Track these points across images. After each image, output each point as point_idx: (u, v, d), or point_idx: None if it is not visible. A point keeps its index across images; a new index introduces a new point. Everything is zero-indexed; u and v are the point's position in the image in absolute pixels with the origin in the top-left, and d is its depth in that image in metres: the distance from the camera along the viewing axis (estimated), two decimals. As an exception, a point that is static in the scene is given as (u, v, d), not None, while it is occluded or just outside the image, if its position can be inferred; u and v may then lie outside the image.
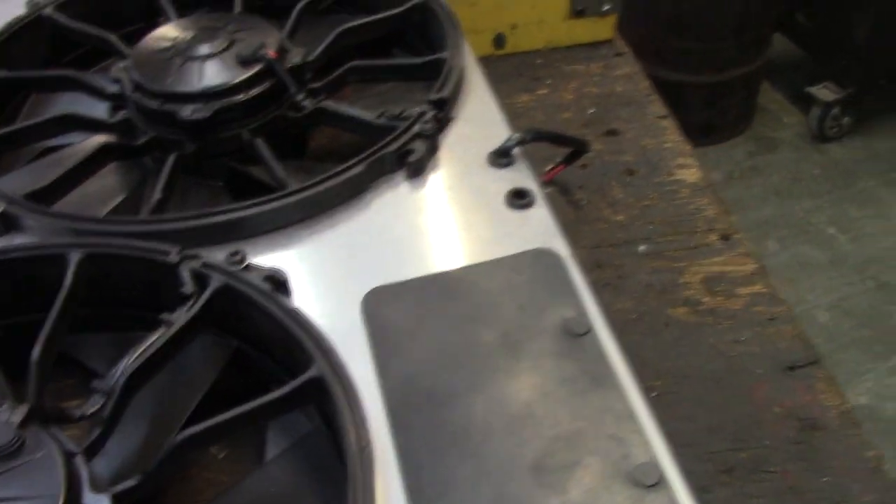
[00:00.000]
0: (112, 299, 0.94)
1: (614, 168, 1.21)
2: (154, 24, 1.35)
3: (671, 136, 1.25)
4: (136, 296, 0.94)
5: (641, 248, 1.09)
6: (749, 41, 3.36)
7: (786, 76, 3.76)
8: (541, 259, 0.89)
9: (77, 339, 0.95)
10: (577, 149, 1.10)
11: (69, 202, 1.06)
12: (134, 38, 1.29)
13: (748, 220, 3.17)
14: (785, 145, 3.56)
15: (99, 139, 1.16)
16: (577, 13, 1.40)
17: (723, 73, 3.34)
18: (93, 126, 1.14)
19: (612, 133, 1.27)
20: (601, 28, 1.43)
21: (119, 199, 1.12)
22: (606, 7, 1.40)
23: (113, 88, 1.16)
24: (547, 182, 1.16)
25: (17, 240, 0.97)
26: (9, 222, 0.97)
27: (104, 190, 1.13)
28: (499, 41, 1.41)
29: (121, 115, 1.14)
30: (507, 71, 1.37)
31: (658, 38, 3.21)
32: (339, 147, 1.21)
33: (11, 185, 1.04)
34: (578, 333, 0.81)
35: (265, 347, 0.89)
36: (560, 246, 0.91)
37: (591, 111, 1.31)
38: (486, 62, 1.18)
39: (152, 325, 0.93)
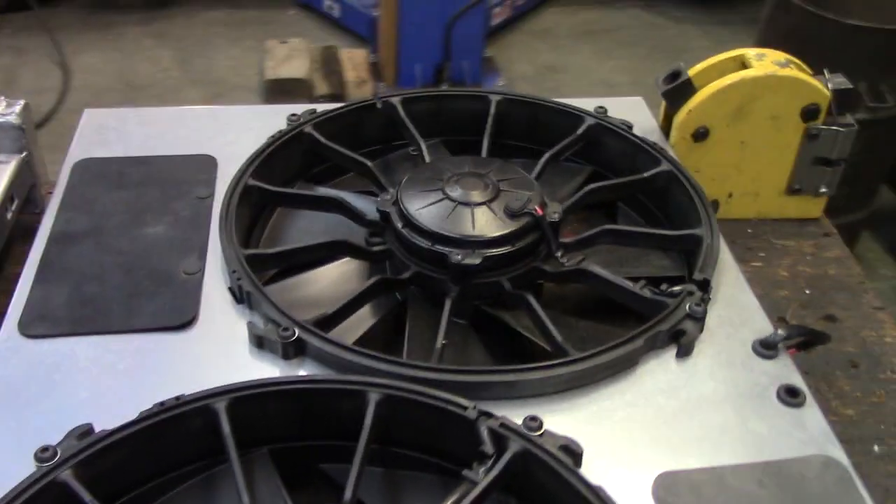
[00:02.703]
0: (393, 438, 0.98)
1: (837, 358, 1.24)
2: (391, 148, 1.43)
3: (890, 330, 1.28)
4: (419, 439, 0.97)
5: (876, 448, 1.12)
6: (858, 192, 3.41)
7: (888, 227, 3.80)
8: (829, 469, 0.91)
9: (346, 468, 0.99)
10: (823, 342, 1.13)
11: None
12: (373, 157, 1.37)
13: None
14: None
15: (348, 267, 1.22)
16: (794, 191, 1.45)
17: (834, 219, 3.38)
18: (359, 254, 1.19)
19: (829, 319, 1.31)
20: (811, 207, 1.48)
21: (368, 325, 1.17)
22: (823, 189, 1.45)
23: (373, 216, 1.22)
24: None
25: (304, 366, 1.02)
26: (299, 347, 1.02)
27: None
28: (713, 207, 1.45)
29: (379, 244, 1.20)
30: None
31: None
32: (565, 293, 1.26)
33: (277, 300, 1.09)
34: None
35: (548, 514, 0.92)
36: (839, 454, 0.94)
37: (808, 292, 1.35)
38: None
39: (423, 467, 0.99)
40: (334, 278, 1.24)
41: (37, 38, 4.22)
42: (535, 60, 4.69)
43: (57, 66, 4.09)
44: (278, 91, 4.06)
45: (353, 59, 4.30)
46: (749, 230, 1.46)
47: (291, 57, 4.22)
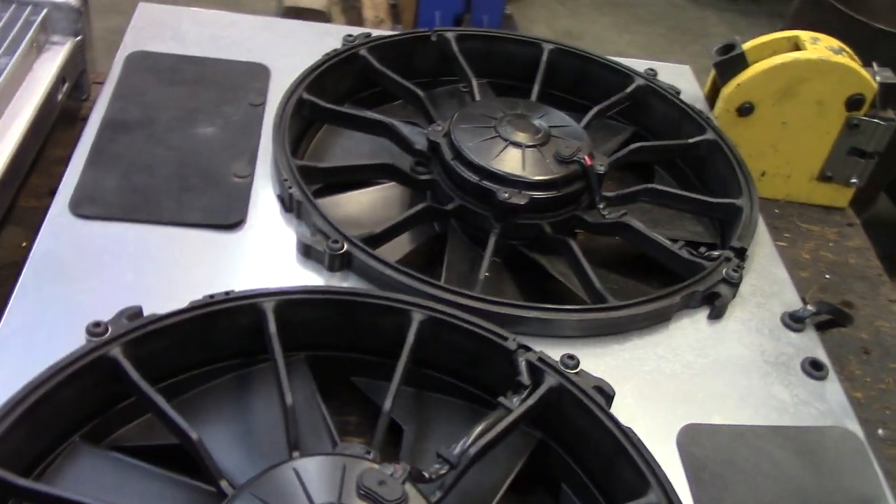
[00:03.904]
0: (427, 360, 1.00)
1: (851, 343, 1.27)
2: (440, 83, 1.44)
3: (904, 323, 1.32)
4: (453, 364, 1.00)
5: (880, 431, 1.16)
6: (859, 195, 3.45)
7: (881, 234, 3.85)
8: (846, 441, 0.95)
9: (374, 383, 1.01)
10: (845, 324, 1.17)
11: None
12: (423, 88, 1.38)
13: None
14: None
15: (395, 191, 1.24)
16: (825, 178, 1.48)
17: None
18: (405, 179, 1.21)
19: (847, 305, 1.34)
20: (839, 196, 1.51)
21: (408, 249, 1.19)
22: (854, 180, 1.47)
23: (421, 145, 1.23)
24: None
25: (348, 279, 1.04)
26: (346, 261, 1.04)
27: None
28: (745, 182, 1.48)
29: (425, 173, 1.21)
30: (748, 213, 1.44)
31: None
32: (598, 247, 1.28)
33: (331, 212, 1.10)
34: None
35: (571, 449, 0.95)
36: (856, 427, 0.97)
37: (828, 277, 1.38)
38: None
39: (454, 393, 1.01)
40: (375, 201, 1.26)
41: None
42: (553, 24, 4.67)
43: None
44: (295, 19, 4.02)
45: (374, -2, 4.26)
46: (776, 210, 1.49)
47: (313, -13, 4.17)
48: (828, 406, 1.00)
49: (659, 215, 1.29)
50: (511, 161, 1.16)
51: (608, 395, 0.94)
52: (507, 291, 1.16)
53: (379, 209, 1.24)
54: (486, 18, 4.13)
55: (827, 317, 1.11)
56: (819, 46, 1.39)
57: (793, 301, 1.12)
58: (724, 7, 5.11)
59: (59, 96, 1.26)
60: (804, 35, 1.42)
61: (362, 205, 1.23)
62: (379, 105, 1.41)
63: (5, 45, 1.18)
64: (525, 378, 0.93)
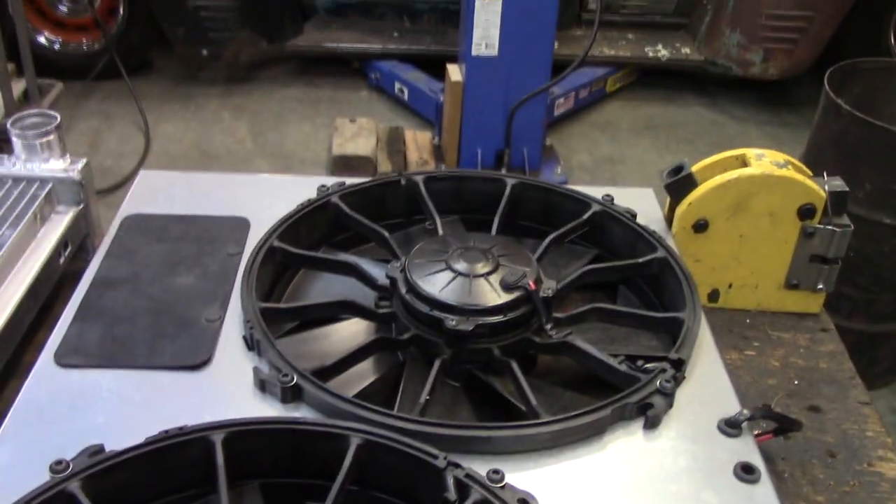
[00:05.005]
0: (368, 481, 1.07)
1: (816, 447, 1.29)
2: (410, 222, 1.55)
3: (873, 425, 1.33)
4: (392, 483, 1.06)
5: (840, 534, 1.16)
6: (908, 299, 3.40)
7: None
8: (770, 542, 0.97)
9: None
10: (793, 430, 1.19)
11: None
12: (394, 229, 1.49)
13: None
14: (932, 407, 3.51)
15: (359, 326, 1.33)
16: (792, 286, 1.52)
17: (877, 323, 3.37)
18: (365, 314, 1.30)
19: (814, 409, 1.36)
20: (810, 302, 1.54)
21: (370, 380, 1.27)
22: (820, 286, 1.51)
23: (384, 282, 1.33)
24: (752, 446, 1.24)
25: (300, 409, 1.12)
26: (296, 393, 1.13)
27: (356, 369, 1.28)
28: (713, 296, 1.53)
29: (386, 307, 1.31)
30: (718, 325, 1.48)
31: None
32: (561, 368, 1.34)
33: (287, 351, 1.20)
34: None
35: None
36: (784, 529, 0.99)
37: (796, 383, 1.40)
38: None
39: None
40: (348, 335, 1.35)
41: (124, 105, 4.52)
42: (594, 151, 4.81)
43: (140, 133, 4.37)
44: (344, 167, 4.25)
45: (418, 141, 4.49)
46: (747, 320, 1.53)
47: (358, 135, 4.42)
48: (757, 509, 1.02)
49: (618, 333, 1.35)
50: (459, 291, 1.25)
51: (531, 507, 0.99)
52: (462, 414, 1.23)
53: (350, 342, 1.33)
54: (527, 151, 4.29)
55: (770, 422, 1.15)
56: (764, 161, 1.46)
57: (732, 408, 1.15)
58: (764, 121, 5.19)
59: (62, 260, 1.41)
60: (750, 152, 1.50)
61: (335, 340, 1.33)
62: (357, 246, 1.53)
63: (12, 217, 1.34)
64: (451, 494, 0.99)
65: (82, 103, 4.60)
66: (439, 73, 4.24)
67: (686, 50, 5.03)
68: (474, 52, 3.90)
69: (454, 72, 4.06)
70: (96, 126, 4.46)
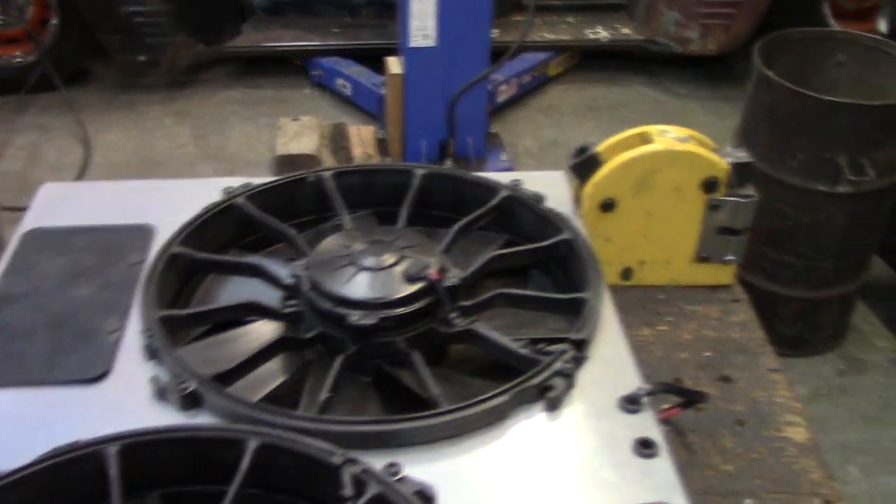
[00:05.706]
0: (270, 483, 1.06)
1: (726, 416, 1.30)
2: (323, 219, 1.54)
3: (782, 390, 1.34)
4: (293, 483, 1.06)
5: (747, 501, 1.17)
6: (848, 264, 3.44)
7: (884, 299, 3.81)
8: (663, 515, 0.98)
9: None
10: (698, 402, 1.20)
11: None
12: (306, 227, 1.48)
13: (830, 441, 3.16)
14: (876, 368, 3.57)
15: (269, 326, 1.32)
16: (702, 259, 1.53)
17: (819, 290, 3.41)
18: (270, 314, 1.29)
19: (725, 379, 1.37)
20: (722, 274, 1.55)
21: (278, 381, 1.26)
22: (730, 257, 1.52)
23: (289, 281, 1.32)
24: (662, 421, 1.25)
25: (200, 416, 1.12)
26: (196, 400, 1.12)
27: (265, 371, 1.27)
28: (626, 274, 1.54)
29: (292, 306, 1.30)
30: (632, 302, 1.50)
31: (756, 247, 3.31)
32: (473, 356, 1.34)
33: (191, 357, 1.19)
34: None
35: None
36: (680, 501, 1.00)
37: (707, 354, 1.42)
38: (612, 290, 1.31)
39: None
40: (258, 337, 1.34)
41: (63, 117, 4.46)
42: (539, 136, 4.82)
43: (80, 144, 4.31)
44: (288, 166, 4.22)
45: (362, 136, 4.47)
46: (661, 296, 1.54)
47: (302, 133, 4.39)
48: (655, 482, 1.03)
49: (525, 317, 1.35)
50: (361, 285, 1.25)
51: (429, 499, 0.99)
52: (371, 409, 1.22)
53: (256, 344, 1.33)
54: (471, 140, 4.29)
55: (671, 396, 1.15)
56: (666, 138, 1.47)
57: (633, 386, 1.16)
58: (706, 96, 5.22)
59: (-37, 279, 1.39)
60: (653, 129, 1.51)
61: (245, 342, 1.31)
62: (268, 247, 1.52)
63: None
64: (348, 490, 0.99)
65: (19, 117, 4.53)
66: (381, 68, 4.23)
67: (626, 30, 5.05)
68: (412, 44, 3.88)
69: (394, 64, 4.04)
70: (34, 139, 4.40)
